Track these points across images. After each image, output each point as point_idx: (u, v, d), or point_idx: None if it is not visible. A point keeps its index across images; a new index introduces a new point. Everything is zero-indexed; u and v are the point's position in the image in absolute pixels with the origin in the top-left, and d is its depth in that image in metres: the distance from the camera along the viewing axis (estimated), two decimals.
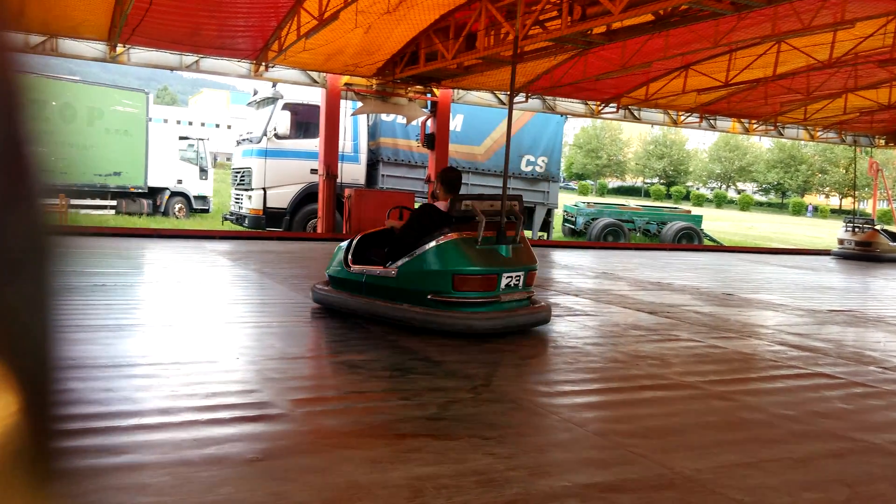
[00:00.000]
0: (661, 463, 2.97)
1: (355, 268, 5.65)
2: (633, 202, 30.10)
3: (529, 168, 17.82)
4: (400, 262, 5.33)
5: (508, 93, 15.30)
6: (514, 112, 17.08)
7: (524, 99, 15.46)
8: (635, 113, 17.26)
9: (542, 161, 17.91)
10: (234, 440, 2.99)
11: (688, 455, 3.09)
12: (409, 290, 5.26)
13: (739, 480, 2.84)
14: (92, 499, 2.28)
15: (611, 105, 16.43)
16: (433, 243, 5.17)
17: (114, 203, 19.78)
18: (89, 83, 20.08)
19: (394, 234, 5.69)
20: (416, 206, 15.75)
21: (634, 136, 68.78)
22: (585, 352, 5.11)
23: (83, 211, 18.65)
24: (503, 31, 10.29)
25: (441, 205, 5.46)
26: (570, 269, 11.14)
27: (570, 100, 16.16)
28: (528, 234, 18.35)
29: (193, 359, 4.30)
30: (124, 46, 12.10)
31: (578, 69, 13.26)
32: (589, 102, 16.43)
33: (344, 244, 5.96)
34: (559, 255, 13.98)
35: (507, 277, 5.28)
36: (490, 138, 17.36)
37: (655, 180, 68.35)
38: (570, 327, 6.05)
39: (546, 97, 15.85)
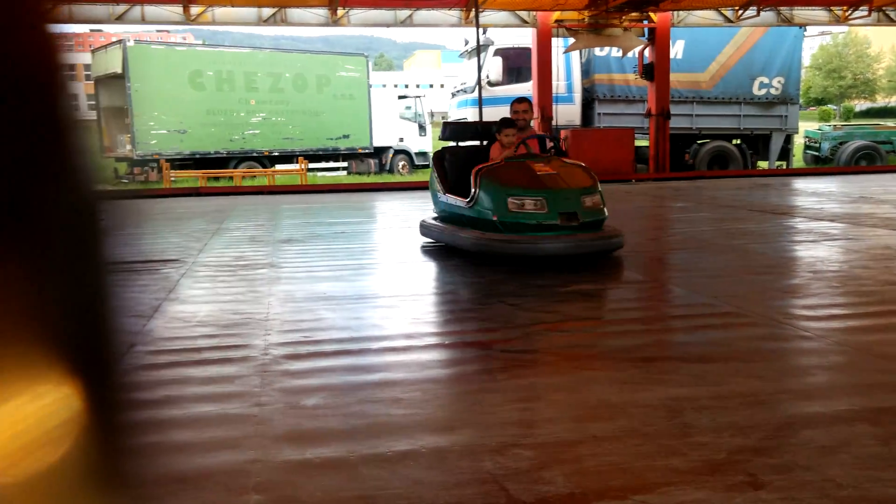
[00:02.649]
0: None
1: None
2: (890, 122, 26.28)
3: (763, 91, 16.14)
4: None
5: (736, 8, 13.92)
6: (744, 30, 15.57)
7: (755, 13, 13.93)
8: (892, 15, 14.86)
9: (778, 82, 16.13)
10: (477, 361, 2.99)
11: None
12: None
13: None
14: (353, 410, 2.37)
15: (861, 9, 14.28)
16: None
17: (345, 164, 21.19)
18: (315, 52, 21.53)
19: None
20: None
21: (887, 48, 59.77)
22: (853, 275, 4.49)
23: (319, 173, 20.21)
24: None
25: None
26: (819, 196, 9.97)
27: (809, 7, 14.30)
28: (763, 164, 16.79)
29: (429, 291, 4.40)
30: (344, 9, 12.70)
31: None
32: (833, 8, 14.42)
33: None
34: (803, 183, 12.61)
35: None
36: (716, 63, 15.93)
37: None
38: (829, 252, 5.37)
39: (781, 8, 14.17)
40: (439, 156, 6.02)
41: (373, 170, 21.63)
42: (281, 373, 2.77)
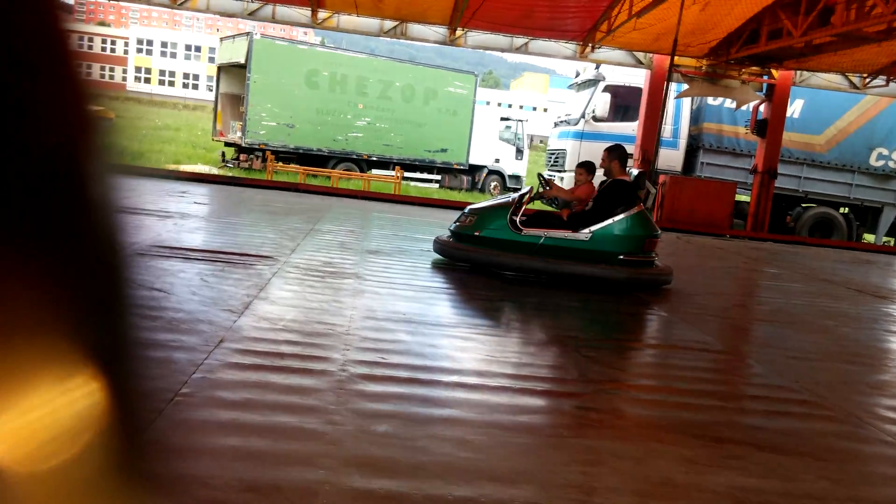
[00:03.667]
0: None
1: (530, 231, 6.17)
2: None
3: (881, 163, 15.42)
4: (594, 228, 6.11)
5: (864, 75, 13.40)
6: (868, 98, 14.94)
7: (884, 83, 13.37)
8: None
9: None
10: (545, 412, 3.02)
11: None
12: (601, 251, 6.08)
13: None
14: (420, 444, 2.44)
15: None
16: (628, 213, 6.11)
17: (438, 177, 21.49)
18: (428, 66, 21.97)
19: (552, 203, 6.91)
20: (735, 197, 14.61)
21: None
22: None
23: (413, 183, 20.58)
24: (869, 4, 8.93)
25: (623, 178, 6.30)
26: None
27: None
28: (869, 237, 16.03)
29: (505, 327, 4.45)
30: (462, 30, 12.95)
31: None
32: None
33: (484, 205, 6.68)
34: None
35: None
36: (834, 127, 15.33)
37: None
38: None
39: None
40: None
41: (465, 186, 21.83)
42: (356, 393, 2.88)
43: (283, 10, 12.87)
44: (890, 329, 5.98)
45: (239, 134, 18.92)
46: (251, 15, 12.86)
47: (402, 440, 2.46)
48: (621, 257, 6.07)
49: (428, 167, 21.33)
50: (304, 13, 12.80)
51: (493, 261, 6.16)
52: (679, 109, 15.49)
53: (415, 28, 13.02)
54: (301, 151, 19.21)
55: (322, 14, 12.76)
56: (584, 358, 3.92)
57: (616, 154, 6.45)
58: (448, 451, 2.43)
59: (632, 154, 14.49)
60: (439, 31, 13.09)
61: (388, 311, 4.41)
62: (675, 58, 13.37)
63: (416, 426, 2.62)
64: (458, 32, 13.04)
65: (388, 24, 12.93)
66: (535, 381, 3.40)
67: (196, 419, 2.48)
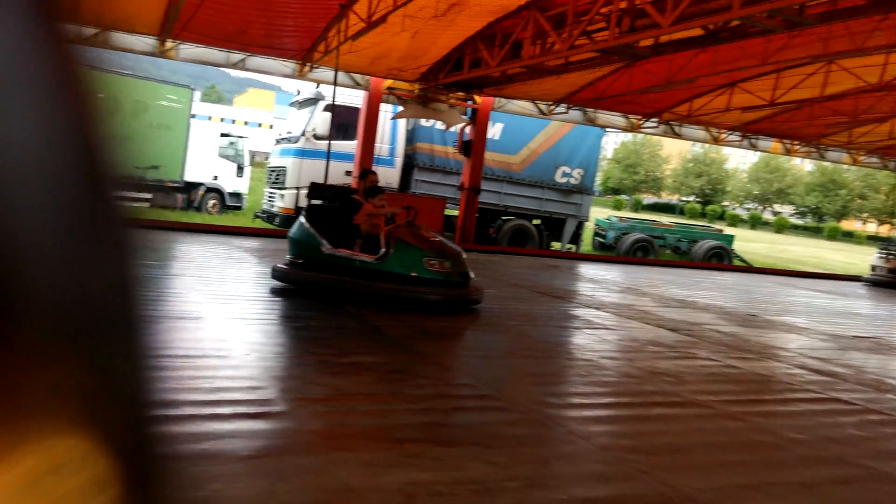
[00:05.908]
0: (663, 481, 2.90)
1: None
2: (666, 219, 29.59)
3: (564, 180, 17.69)
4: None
5: (550, 103, 15.27)
6: (555, 123, 17.07)
7: (565, 110, 15.36)
8: (676, 129, 17.03)
9: (578, 173, 17.77)
10: (232, 436, 3.00)
11: (692, 474, 3.02)
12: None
13: (741, 503, 2.77)
14: None
15: (652, 120, 16.24)
16: None
17: (148, 196, 20.13)
18: (138, 77, 20.50)
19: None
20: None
21: (674, 152, 67.93)
22: (600, 365, 5.04)
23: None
24: (549, 41, 10.22)
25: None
26: (596, 283, 11.02)
27: (611, 113, 16.01)
28: (556, 245, 18.24)
29: (204, 352, 4.34)
30: (174, 42, 12.32)
31: (623, 82, 13.11)
32: (630, 116, 16.26)
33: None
34: (586, 268, 13.85)
35: None
36: (528, 148, 17.27)
37: (692, 198, 67.44)
38: (587, 340, 5.98)
39: (587, 109, 15.74)
40: (313, 212, 7.07)
41: (179, 205, 20.67)
42: None
43: None
44: (561, 325, 6.90)
45: None
46: None
47: None
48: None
49: (137, 186, 19.86)
50: None
51: None
52: (395, 130, 16.30)
53: (120, 37, 12.06)
54: None
55: None
56: (277, 377, 3.97)
57: None
58: None
59: (351, 171, 14.92)
60: (148, 42, 12.28)
61: None
62: (391, 81, 14.08)
63: None
64: (169, 44, 12.38)
65: (88, 30, 11.83)
66: (227, 406, 3.37)
67: None
